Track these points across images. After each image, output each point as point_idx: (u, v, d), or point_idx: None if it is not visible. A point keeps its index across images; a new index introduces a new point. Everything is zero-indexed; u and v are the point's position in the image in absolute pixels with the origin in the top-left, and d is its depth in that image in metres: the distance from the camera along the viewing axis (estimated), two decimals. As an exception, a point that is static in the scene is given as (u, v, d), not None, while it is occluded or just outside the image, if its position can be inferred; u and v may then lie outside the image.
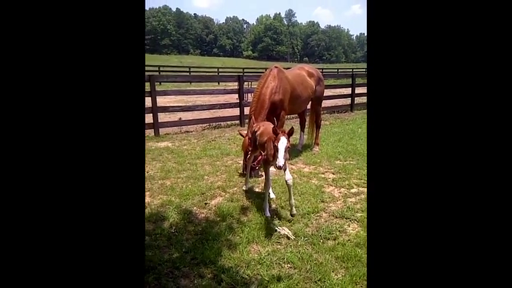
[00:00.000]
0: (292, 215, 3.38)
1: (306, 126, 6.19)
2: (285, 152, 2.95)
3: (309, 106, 6.15)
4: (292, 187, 3.37)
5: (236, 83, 8.44)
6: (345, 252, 2.76)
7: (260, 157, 4.65)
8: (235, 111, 8.49)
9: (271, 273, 2.48)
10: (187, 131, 8.00)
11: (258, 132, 3.72)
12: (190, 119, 8.31)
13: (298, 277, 2.47)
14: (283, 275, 2.49)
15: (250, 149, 4.56)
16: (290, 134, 3.05)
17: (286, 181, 3.32)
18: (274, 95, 4.71)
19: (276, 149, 2.96)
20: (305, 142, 6.35)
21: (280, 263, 2.67)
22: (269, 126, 3.56)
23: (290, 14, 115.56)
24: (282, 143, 2.94)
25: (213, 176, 4.72)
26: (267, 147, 3.37)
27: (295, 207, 3.44)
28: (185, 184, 4.39)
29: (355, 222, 3.35)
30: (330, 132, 7.60)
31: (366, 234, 3.01)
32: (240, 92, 8.39)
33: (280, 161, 2.89)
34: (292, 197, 3.39)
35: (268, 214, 3.40)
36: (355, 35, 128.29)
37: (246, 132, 4.77)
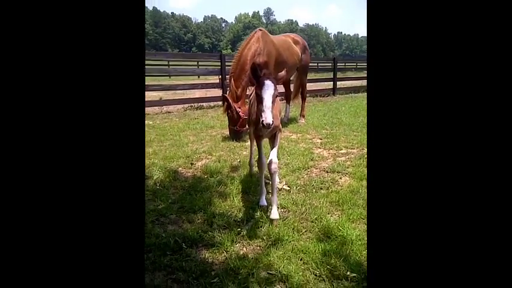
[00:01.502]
0: (272, 220, 2.25)
1: (291, 98, 6.10)
2: (272, 103, 2.00)
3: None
4: (276, 175, 2.41)
5: (218, 62, 8.23)
6: (339, 197, 2.68)
7: (242, 119, 4.52)
8: (218, 92, 8.29)
9: (265, 216, 2.35)
10: (168, 112, 7.71)
11: (251, 95, 2.80)
12: (172, 99, 8.02)
13: (293, 218, 2.36)
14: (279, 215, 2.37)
15: (231, 111, 4.44)
16: (279, 79, 2.15)
17: (269, 164, 2.31)
18: (257, 56, 4.55)
19: (260, 99, 2.01)
20: (291, 115, 6.27)
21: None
22: None
23: (269, 12, 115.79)
24: (267, 88, 2.01)
25: (198, 144, 4.53)
26: (251, 103, 2.54)
27: (277, 205, 2.33)
28: (168, 150, 4.18)
29: (347, 175, 3.28)
30: (314, 110, 7.56)
31: (358, 185, 2.95)
32: (223, 72, 8.18)
33: (268, 115, 1.93)
34: (276, 193, 2.37)
35: (264, 203, 2.47)
36: (332, 34, 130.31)
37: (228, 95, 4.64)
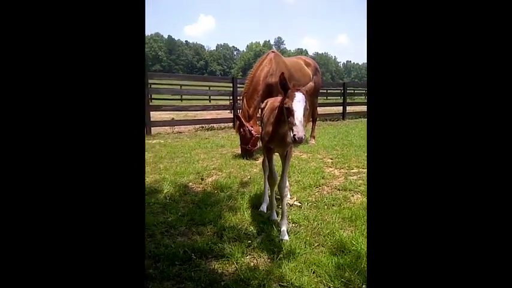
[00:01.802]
0: (282, 241, 2.16)
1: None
2: (304, 116, 1.86)
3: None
4: (287, 199, 2.38)
5: (230, 85, 8.42)
6: (351, 213, 2.62)
7: (254, 138, 4.56)
8: (229, 114, 8.41)
9: (275, 229, 2.30)
10: (179, 132, 7.83)
11: (265, 109, 2.61)
12: (183, 119, 8.17)
13: (305, 232, 2.30)
14: (289, 230, 2.31)
15: (245, 129, 4.49)
16: (307, 90, 1.97)
17: (280, 187, 2.27)
18: (270, 77, 4.65)
19: (291, 112, 1.83)
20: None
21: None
22: (276, 99, 2.57)
23: (279, 41, 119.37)
24: (299, 101, 1.85)
25: (208, 161, 4.55)
26: (265, 120, 2.40)
27: (287, 227, 2.28)
28: (179, 166, 4.20)
29: (359, 193, 3.22)
30: (324, 133, 7.56)
31: (371, 202, 2.88)
32: (234, 94, 8.35)
33: (300, 129, 1.76)
34: (286, 215, 2.30)
35: (275, 217, 2.42)
36: (342, 62, 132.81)
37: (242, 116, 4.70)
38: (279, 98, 2.47)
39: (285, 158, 2.33)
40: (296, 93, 1.88)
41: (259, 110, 2.76)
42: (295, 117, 1.80)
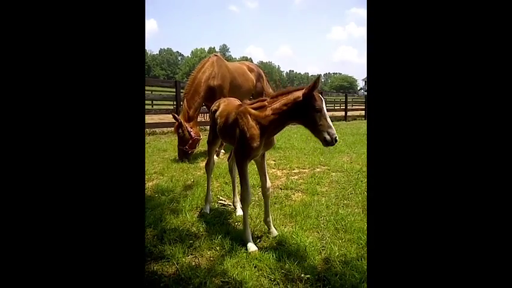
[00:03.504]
0: (273, 236, 2.23)
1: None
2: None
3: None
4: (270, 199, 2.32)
5: (173, 88, 8.20)
6: (292, 210, 2.72)
7: (193, 139, 4.51)
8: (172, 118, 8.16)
9: (218, 230, 2.29)
10: (118, 137, 7.37)
11: (219, 111, 2.41)
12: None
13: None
14: (231, 229, 2.32)
15: (183, 130, 4.42)
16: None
17: (264, 189, 2.25)
18: (212, 79, 4.65)
19: (323, 114, 1.81)
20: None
21: (227, 222, 2.50)
22: (235, 101, 2.51)
23: (224, 48, 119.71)
24: (323, 101, 1.85)
25: (148, 165, 4.35)
26: (245, 127, 2.00)
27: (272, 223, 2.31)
28: (117, 171, 3.95)
29: (300, 191, 3.36)
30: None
31: (311, 199, 3.03)
32: (177, 98, 8.14)
33: (334, 131, 1.82)
34: (270, 213, 2.31)
35: (255, 248, 2.03)
36: (285, 72, 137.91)
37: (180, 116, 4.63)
38: (236, 101, 2.47)
39: (262, 158, 2.27)
40: (321, 96, 1.85)
41: (211, 113, 2.54)
42: (327, 119, 1.82)
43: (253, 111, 2.02)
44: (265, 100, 2.06)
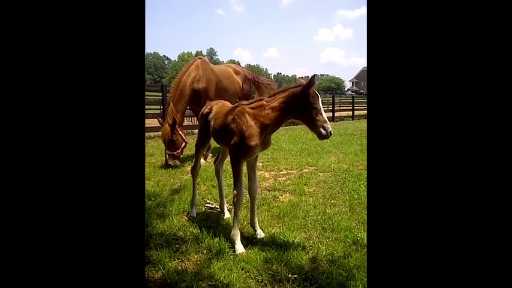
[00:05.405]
0: (260, 238, 2.22)
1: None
2: None
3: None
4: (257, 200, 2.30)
5: (160, 93, 8.12)
6: (280, 211, 2.73)
7: (184, 144, 4.48)
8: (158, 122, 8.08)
9: (205, 233, 2.28)
10: (104, 143, 7.24)
11: (213, 113, 2.39)
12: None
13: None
14: (218, 232, 2.31)
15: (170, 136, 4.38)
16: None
17: (252, 190, 2.26)
18: (196, 83, 4.61)
19: (319, 110, 1.91)
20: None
21: (214, 225, 2.48)
22: (227, 103, 2.54)
23: (211, 52, 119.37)
24: (319, 98, 1.94)
25: (136, 171, 4.29)
26: (243, 127, 2.01)
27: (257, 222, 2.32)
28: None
29: (287, 192, 3.37)
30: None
31: (298, 200, 3.04)
32: (164, 102, 8.07)
33: (328, 123, 1.93)
34: (257, 214, 2.32)
35: (243, 250, 2.03)
36: (273, 74, 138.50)
37: (166, 119, 4.58)
38: (228, 103, 2.48)
39: (255, 158, 2.28)
40: (316, 92, 1.93)
41: (202, 116, 2.48)
42: (323, 114, 1.93)
43: (251, 110, 2.07)
44: (262, 100, 2.11)
